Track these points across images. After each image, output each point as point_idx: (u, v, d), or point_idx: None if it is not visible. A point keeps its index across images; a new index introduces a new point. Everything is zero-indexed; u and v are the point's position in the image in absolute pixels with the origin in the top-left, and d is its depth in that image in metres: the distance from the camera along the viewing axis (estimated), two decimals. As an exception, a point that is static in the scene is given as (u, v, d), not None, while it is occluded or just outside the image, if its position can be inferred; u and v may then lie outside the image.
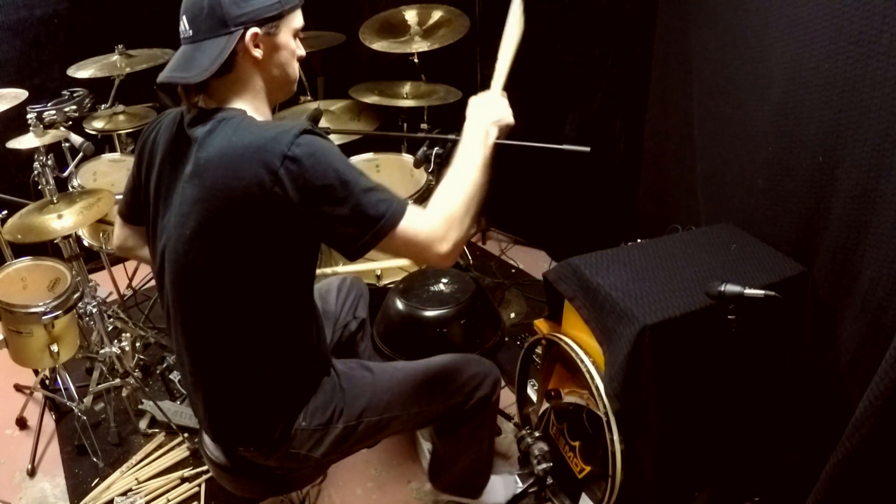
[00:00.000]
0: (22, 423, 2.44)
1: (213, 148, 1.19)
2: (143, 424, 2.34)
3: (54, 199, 2.16)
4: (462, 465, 1.76)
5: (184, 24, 1.24)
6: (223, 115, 1.24)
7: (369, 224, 1.18)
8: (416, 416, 1.55)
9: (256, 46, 1.23)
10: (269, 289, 1.27)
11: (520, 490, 1.94)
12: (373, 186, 1.20)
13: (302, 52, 1.34)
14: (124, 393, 2.32)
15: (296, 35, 1.31)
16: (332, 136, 2.40)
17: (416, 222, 1.21)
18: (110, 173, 2.68)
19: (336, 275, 2.09)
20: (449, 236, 1.23)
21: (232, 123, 1.21)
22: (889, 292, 1.38)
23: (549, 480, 1.89)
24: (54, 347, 2.10)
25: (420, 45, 2.66)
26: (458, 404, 1.57)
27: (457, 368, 1.59)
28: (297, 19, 1.30)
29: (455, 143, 1.87)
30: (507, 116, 1.42)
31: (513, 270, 3.20)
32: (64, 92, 2.42)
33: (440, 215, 1.25)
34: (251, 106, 1.28)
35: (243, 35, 1.21)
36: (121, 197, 2.44)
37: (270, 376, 1.36)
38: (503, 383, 1.64)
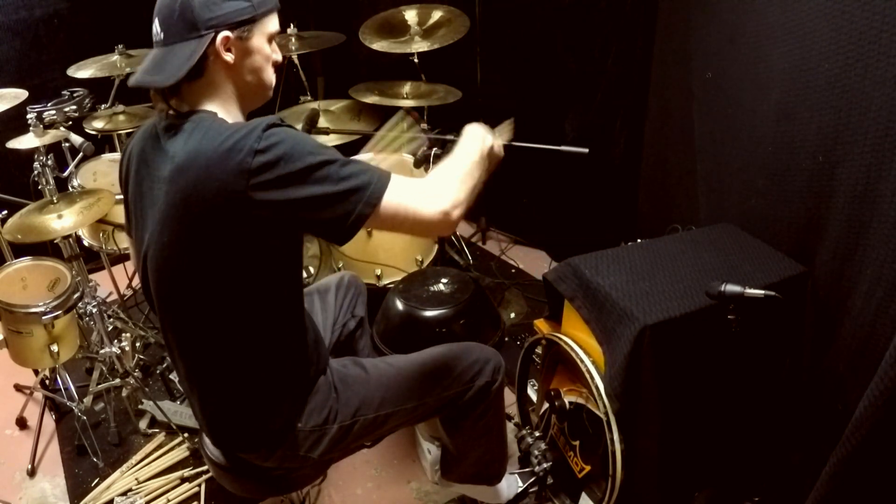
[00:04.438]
0: (22, 423, 2.44)
1: (184, 153, 1.17)
2: (143, 424, 2.34)
3: (54, 199, 2.17)
4: (474, 457, 1.74)
5: (156, 27, 1.23)
6: (195, 117, 1.22)
7: (357, 195, 1.16)
8: (414, 410, 1.53)
9: (228, 51, 1.22)
10: (253, 293, 1.25)
11: (520, 490, 1.94)
12: (349, 160, 1.19)
13: (278, 56, 1.32)
14: (124, 393, 2.32)
15: (271, 39, 1.29)
16: (332, 136, 2.42)
17: (405, 185, 1.20)
18: (110, 173, 2.68)
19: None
20: (443, 193, 1.22)
21: (202, 126, 1.20)
22: (889, 292, 1.38)
23: (550, 480, 1.89)
24: (54, 347, 2.10)
25: (420, 45, 2.66)
26: (457, 395, 1.55)
27: (453, 358, 1.57)
28: (271, 24, 1.27)
29: (455, 143, 1.88)
30: (500, 148, 1.45)
31: (513, 270, 3.20)
32: (64, 92, 2.42)
33: (433, 176, 1.26)
34: (223, 109, 1.27)
35: (214, 39, 1.19)
36: (121, 197, 2.45)
37: (263, 380, 1.35)
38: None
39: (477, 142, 1.37)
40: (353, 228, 1.19)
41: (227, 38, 1.20)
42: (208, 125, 1.20)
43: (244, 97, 1.30)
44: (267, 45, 1.28)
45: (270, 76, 1.32)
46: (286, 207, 1.14)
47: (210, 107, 1.26)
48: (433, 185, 1.24)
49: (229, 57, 1.22)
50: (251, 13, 1.22)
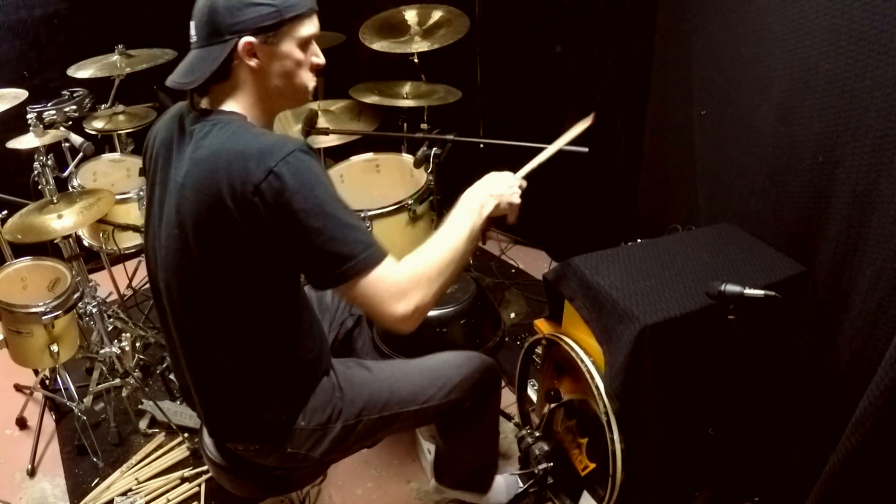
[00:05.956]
0: (22, 423, 2.44)
1: (206, 149, 1.19)
2: (143, 424, 2.34)
3: (54, 199, 2.16)
4: (467, 462, 1.75)
5: (191, 29, 1.24)
6: (222, 117, 1.24)
7: (338, 262, 1.15)
8: (415, 414, 1.54)
9: (252, 56, 1.22)
10: (253, 293, 1.25)
11: (521, 490, 1.94)
12: (353, 225, 1.17)
13: (319, 60, 1.30)
14: (124, 393, 2.32)
15: (304, 43, 1.26)
16: (331, 136, 2.41)
17: (385, 273, 1.18)
18: (110, 173, 2.68)
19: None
20: (412, 296, 1.19)
21: (230, 128, 1.21)
22: (889, 292, 1.38)
23: (550, 480, 1.89)
24: (54, 347, 2.10)
25: (420, 45, 2.66)
26: (457, 402, 1.56)
27: (456, 365, 1.58)
28: (303, 28, 1.24)
29: (454, 143, 1.88)
30: (512, 195, 1.37)
31: (513, 270, 3.20)
32: (64, 92, 2.42)
33: (410, 271, 1.21)
34: (249, 112, 1.27)
35: (237, 44, 1.20)
36: (121, 197, 2.45)
37: (263, 379, 1.35)
38: (503, 383, 1.63)
39: (471, 213, 1.31)
40: (324, 286, 1.20)
41: (249, 43, 1.20)
42: (237, 127, 1.21)
43: (273, 100, 1.30)
44: (298, 49, 1.25)
45: (304, 80, 1.29)
46: (276, 235, 1.15)
47: (234, 106, 1.26)
48: (408, 285, 1.20)
49: (253, 62, 1.22)
50: (276, 18, 1.20)
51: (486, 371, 1.60)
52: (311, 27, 1.26)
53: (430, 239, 1.28)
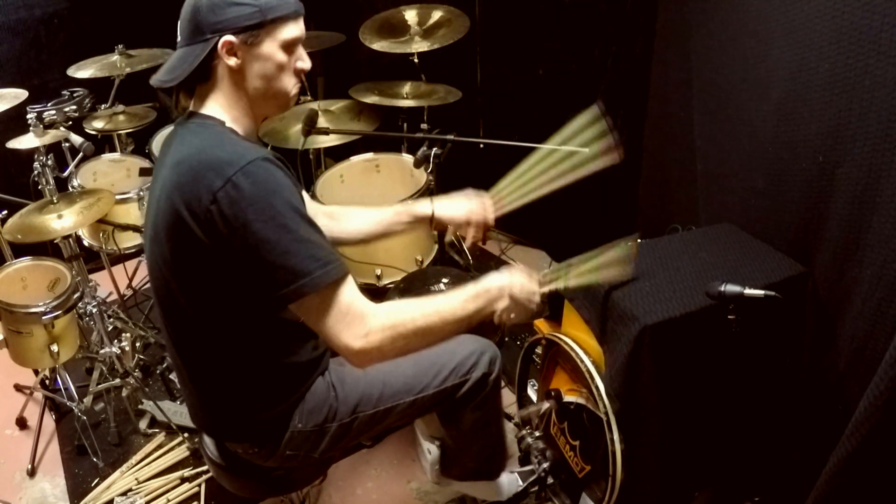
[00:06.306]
0: (22, 423, 2.44)
1: (177, 154, 1.20)
2: (143, 424, 2.34)
3: (54, 199, 2.17)
4: (474, 451, 1.74)
5: (178, 29, 1.25)
6: (202, 121, 1.24)
7: (290, 278, 1.11)
8: (412, 404, 1.52)
9: (232, 55, 1.21)
10: (227, 301, 1.23)
11: (521, 489, 1.94)
12: (311, 240, 1.14)
13: (304, 64, 1.29)
14: (124, 393, 2.33)
15: (287, 47, 1.24)
16: (331, 136, 2.41)
17: (343, 298, 1.15)
18: (110, 173, 2.68)
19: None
20: (374, 338, 1.16)
21: (203, 133, 1.21)
22: (889, 292, 1.38)
23: (550, 480, 1.89)
24: (54, 347, 2.11)
25: (420, 45, 2.66)
26: (454, 387, 1.54)
27: (449, 351, 1.55)
28: (286, 31, 1.23)
29: (454, 143, 1.87)
30: (528, 304, 1.35)
31: (513, 270, 3.19)
32: (64, 92, 2.43)
33: (386, 315, 1.18)
34: (230, 115, 1.27)
35: (217, 43, 1.19)
36: (121, 197, 2.45)
37: (252, 382, 1.35)
38: (503, 383, 1.63)
39: (480, 301, 1.29)
40: (277, 304, 1.15)
41: (229, 42, 1.19)
42: (210, 132, 1.21)
43: (255, 103, 1.29)
44: (280, 52, 1.24)
45: (284, 84, 1.28)
46: (230, 245, 1.13)
47: (215, 108, 1.26)
48: (379, 318, 1.16)
49: (233, 62, 1.22)
50: (258, 19, 1.19)
51: (481, 353, 1.58)
52: (294, 30, 1.25)
53: (430, 297, 1.25)
